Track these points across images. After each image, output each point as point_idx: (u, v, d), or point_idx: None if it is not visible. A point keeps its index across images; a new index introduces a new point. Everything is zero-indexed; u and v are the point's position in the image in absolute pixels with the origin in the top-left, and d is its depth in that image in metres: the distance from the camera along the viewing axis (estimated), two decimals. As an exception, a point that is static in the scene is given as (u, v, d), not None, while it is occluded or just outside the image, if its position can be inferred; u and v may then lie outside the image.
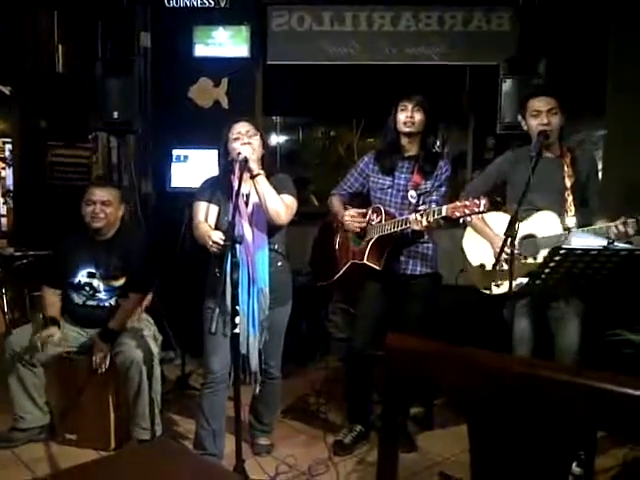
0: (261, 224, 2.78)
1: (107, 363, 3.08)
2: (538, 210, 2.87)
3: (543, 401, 1.06)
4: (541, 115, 2.84)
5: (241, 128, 2.79)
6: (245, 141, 2.73)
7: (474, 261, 3.06)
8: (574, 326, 2.90)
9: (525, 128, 2.95)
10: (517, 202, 2.59)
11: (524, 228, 2.82)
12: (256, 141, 2.78)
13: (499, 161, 3.12)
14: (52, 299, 3.26)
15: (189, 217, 2.97)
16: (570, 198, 2.85)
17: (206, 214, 2.82)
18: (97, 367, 3.07)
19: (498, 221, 2.97)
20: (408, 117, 3.02)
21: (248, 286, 2.73)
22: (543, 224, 2.84)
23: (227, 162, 2.81)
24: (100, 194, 3.19)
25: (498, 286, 2.83)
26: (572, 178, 2.89)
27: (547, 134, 2.81)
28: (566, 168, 2.90)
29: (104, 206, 3.18)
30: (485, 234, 3.01)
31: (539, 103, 2.86)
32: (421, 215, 2.75)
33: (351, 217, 3.13)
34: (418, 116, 3.02)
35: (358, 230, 3.10)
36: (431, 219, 2.73)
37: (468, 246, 3.11)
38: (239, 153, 2.64)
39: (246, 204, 2.79)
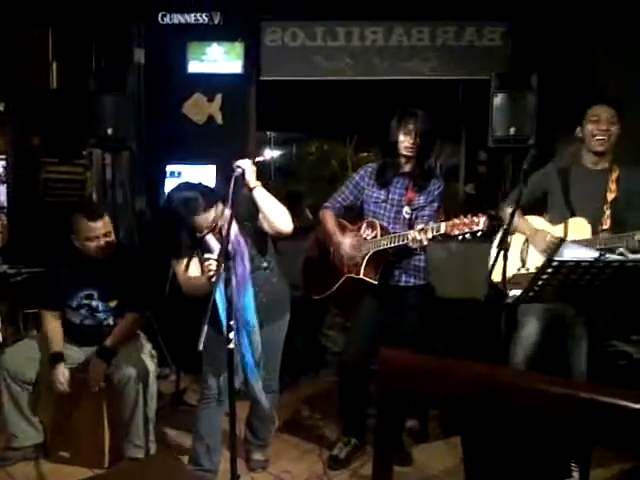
0: (244, 263, 2.67)
1: (102, 380, 3.06)
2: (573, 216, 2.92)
3: (537, 414, 1.06)
4: (601, 121, 2.89)
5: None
6: None
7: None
8: (585, 348, 2.94)
9: (579, 135, 2.99)
10: (513, 207, 2.62)
11: (556, 232, 2.91)
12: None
13: (541, 175, 3.10)
14: (54, 326, 3.20)
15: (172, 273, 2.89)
16: (608, 212, 2.88)
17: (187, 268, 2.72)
18: (93, 385, 3.05)
19: (538, 224, 3.03)
20: (411, 143, 3.00)
21: (238, 331, 2.62)
22: (574, 230, 2.88)
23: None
24: (99, 227, 3.11)
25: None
26: (614, 194, 2.92)
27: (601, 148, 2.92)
28: (610, 183, 2.93)
29: (106, 237, 3.14)
30: (527, 229, 3.01)
31: (601, 109, 2.91)
32: (419, 233, 2.76)
33: (352, 250, 3.09)
34: (419, 142, 3.01)
35: (357, 262, 3.07)
36: (430, 236, 2.73)
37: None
38: (238, 166, 2.60)
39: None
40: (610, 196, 2.91)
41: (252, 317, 2.69)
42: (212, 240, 2.68)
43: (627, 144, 2.91)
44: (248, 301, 2.69)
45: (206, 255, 2.55)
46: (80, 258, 3.18)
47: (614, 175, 2.94)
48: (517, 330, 2.99)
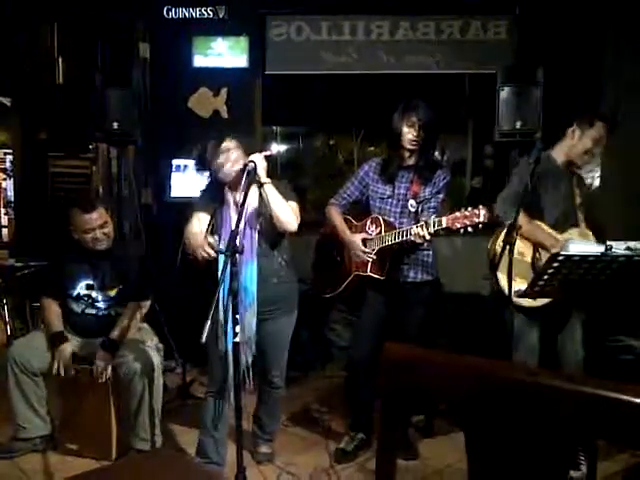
0: (253, 235, 2.74)
1: (108, 372, 3.08)
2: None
3: (541, 409, 1.06)
4: (600, 143, 2.90)
5: (227, 144, 2.75)
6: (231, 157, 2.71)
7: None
8: (579, 331, 2.93)
9: (577, 134, 2.94)
10: (515, 209, 2.61)
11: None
12: (235, 153, 2.73)
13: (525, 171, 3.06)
14: (53, 309, 3.26)
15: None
16: (582, 216, 2.92)
17: (203, 225, 2.78)
18: (98, 377, 3.07)
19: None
20: (414, 136, 3.00)
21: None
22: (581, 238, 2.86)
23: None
24: (94, 219, 3.14)
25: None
26: (579, 198, 2.97)
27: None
28: (575, 187, 2.97)
29: (102, 228, 3.17)
30: (543, 236, 2.88)
31: (604, 131, 2.91)
32: (421, 227, 2.76)
33: (362, 253, 3.06)
34: (423, 134, 3.01)
35: (368, 261, 3.06)
36: (432, 230, 2.73)
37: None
38: (250, 161, 2.60)
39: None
40: (578, 200, 2.94)
41: (251, 290, 2.72)
42: (232, 209, 2.74)
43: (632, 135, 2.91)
44: (250, 274, 2.72)
45: (209, 239, 2.62)
46: (80, 249, 3.22)
47: (575, 179, 2.98)
48: (518, 341, 2.93)
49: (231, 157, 2.71)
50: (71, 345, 3.15)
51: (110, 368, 3.09)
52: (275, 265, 2.84)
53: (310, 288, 3.45)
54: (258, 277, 2.74)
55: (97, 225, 3.15)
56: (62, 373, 3.09)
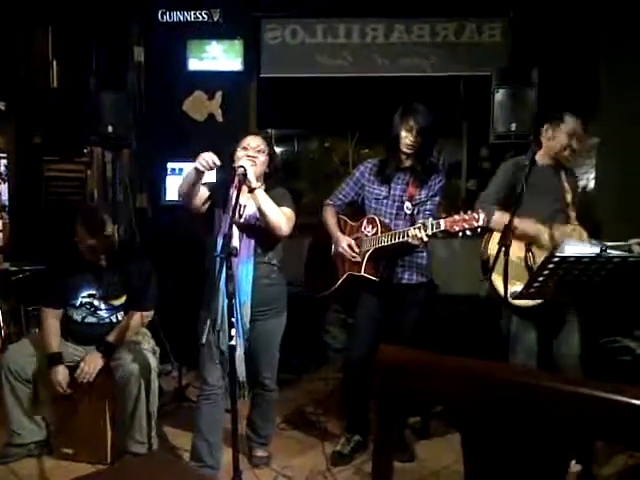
0: (250, 238, 2.79)
1: (92, 376, 3.06)
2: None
3: (538, 410, 1.05)
4: (576, 137, 2.92)
5: (251, 141, 2.82)
6: (250, 154, 2.76)
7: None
8: (575, 333, 2.94)
9: (549, 132, 2.99)
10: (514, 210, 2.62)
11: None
12: (262, 157, 2.81)
13: (509, 172, 3.08)
14: (53, 324, 3.19)
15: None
16: (573, 214, 2.93)
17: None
18: (83, 376, 3.05)
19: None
20: (412, 141, 3.02)
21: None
22: (572, 234, 2.87)
23: (227, 173, 2.81)
24: (101, 242, 3.13)
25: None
26: (569, 193, 2.98)
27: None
28: (564, 182, 2.99)
29: (106, 241, 3.16)
30: (531, 228, 2.92)
31: (581, 127, 2.93)
32: (419, 229, 2.76)
33: (349, 248, 3.11)
34: (420, 138, 3.02)
35: (354, 260, 3.09)
36: (429, 232, 2.74)
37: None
38: (240, 166, 2.64)
39: (240, 216, 2.79)
40: (568, 198, 2.96)
41: (245, 290, 2.75)
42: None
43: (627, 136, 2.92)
44: (246, 276, 2.75)
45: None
46: (82, 258, 3.19)
47: (563, 174, 3.00)
48: (515, 343, 2.95)
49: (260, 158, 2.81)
50: (65, 368, 3.10)
51: (95, 372, 3.07)
52: (268, 267, 2.86)
53: (304, 290, 3.44)
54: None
55: (101, 250, 3.14)
56: (63, 393, 3.07)
